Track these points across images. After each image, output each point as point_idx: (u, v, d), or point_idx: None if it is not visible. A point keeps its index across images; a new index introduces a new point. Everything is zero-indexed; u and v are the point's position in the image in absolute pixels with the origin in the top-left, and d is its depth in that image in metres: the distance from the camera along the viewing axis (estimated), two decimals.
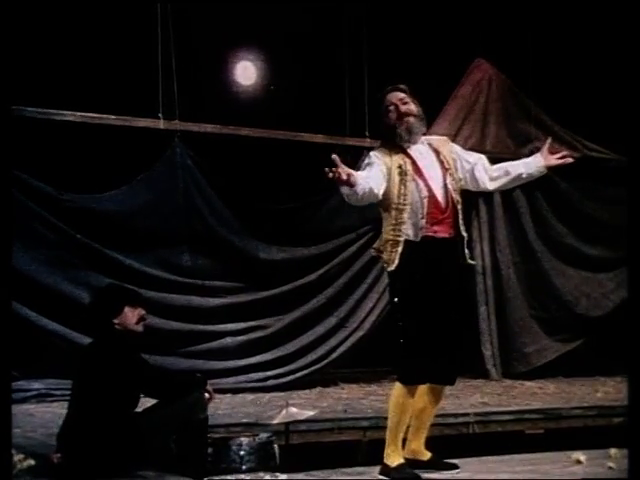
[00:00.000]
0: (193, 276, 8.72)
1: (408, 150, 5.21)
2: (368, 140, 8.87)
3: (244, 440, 5.08)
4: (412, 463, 5.27)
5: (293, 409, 5.23)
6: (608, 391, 8.51)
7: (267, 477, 4.97)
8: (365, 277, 9.23)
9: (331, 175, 4.75)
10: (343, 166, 4.81)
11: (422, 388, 5.24)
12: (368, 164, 5.16)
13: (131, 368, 5.17)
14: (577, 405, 7.75)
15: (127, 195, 8.53)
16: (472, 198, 7.30)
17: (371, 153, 5.25)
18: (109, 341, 5.25)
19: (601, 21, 9.43)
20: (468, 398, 7.96)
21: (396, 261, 5.09)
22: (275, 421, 5.26)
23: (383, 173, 5.09)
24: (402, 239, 5.09)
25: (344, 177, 4.79)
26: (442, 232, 5.16)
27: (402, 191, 5.10)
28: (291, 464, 5.21)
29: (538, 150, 5.47)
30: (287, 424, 5.24)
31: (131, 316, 5.30)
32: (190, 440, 5.15)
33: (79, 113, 8.32)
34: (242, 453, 5.03)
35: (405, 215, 5.09)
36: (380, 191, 5.07)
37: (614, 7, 7.67)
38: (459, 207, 5.21)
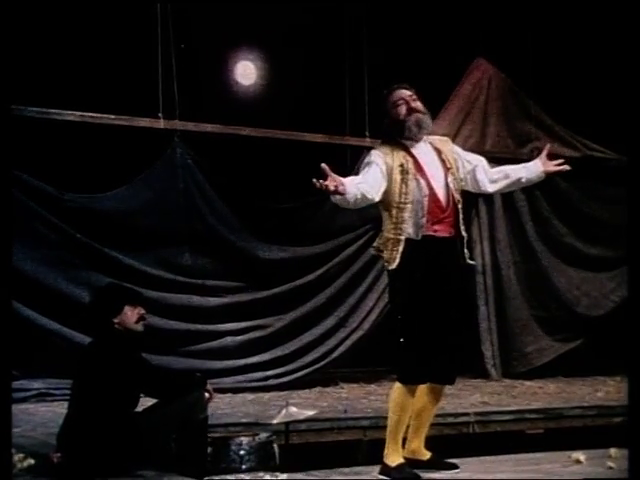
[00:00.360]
0: (193, 275, 8.73)
1: (410, 148, 5.21)
2: (368, 140, 8.88)
3: (244, 440, 5.08)
4: (412, 463, 5.27)
5: (293, 409, 5.22)
6: (608, 391, 8.51)
7: (267, 477, 4.96)
8: (365, 277, 9.23)
9: (318, 186, 4.77)
10: (333, 175, 4.83)
11: (422, 388, 5.24)
12: (367, 164, 5.15)
13: (131, 367, 5.17)
14: (577, 405, 7.75)
15: (127, 195, 8.54)
16: (472, 198, 7.30)
17: (372, 151, 5.25)
18: (109, 340, 5.25)
19: (601, 20, 9.43)
20: (468, 398, 7.96)
21: (397, 260, 5.09)
22: (275, 421, 5.26)
23: (382, 173, 5.09)
24: (403, 238, 5.08)
25: (332, 188, 4.81)
26: (442, 231, 5.16)
27: (403, 190, 5.10)
28: (291, 464, 5.21)
29: (538, 150, 5.50)
30: (287, 424, 5.23)
31: (131, 315, 5.30)
32: (190, 440, 5.15)
33: (79, 113, 8.33)
34: (242, 453, 5.03)
35: (406, 214, 5.09)
36: (376, 195, 5.06)
37: (614, 7, 7.66)
38: (459, 206, 5.22)
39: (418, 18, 9.43)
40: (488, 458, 5.91)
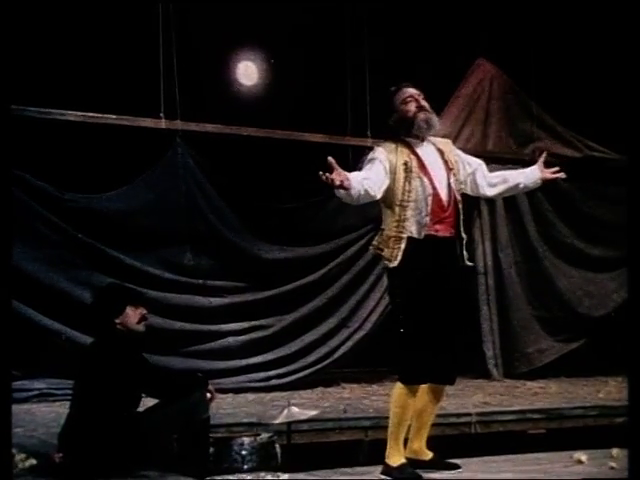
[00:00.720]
0: (195, 276, 8.72)
1: (414, 147, 5.23)
2: (370, 140, 8.87)
3: (246, 440, 5.08)
4: (414, 463, 5.27)
5: (295, 409, 5.23)
6: (610, 391, 8.51)
7: (269, 477, 4.96)
8: (367, 277, 9.23)
9: (324, 179, 4.77)
10: (339, 170, 4.86)
11: (423, 388, 5.24)
12: (371, 160, 5.17)
13: (133, 368, 5.17)
14: (579, 405, 7.75)
15: (129, 195, 8.54)
16: (474, 199, 7.28)
17: (376, 148, 5.27)
18: (111, 341, 5.25)
19: (602, 21, 9.42)
20: (470, 398, 7.96)
21: (399, 257, 5.09)
22: (277, 421, 5.26)
23: (386, 171, 5.11)
24: (405, 236, 5.10)
25: (337, 182, 4.82)
26: (443, 231, 5.18)
27: (407, 188, 5.11)
28: (293, 464, 5.21)
29: (539, 150, 5.54)
30: (289, 424, 5.24)
31: (133, 316, 5.30)
32: (192, 440, 5.15)
33: (80, 113, 8.33)
34: (244, 453, 5.03)
35: (409, 212, 5.10)
36: (378, 192, 5.08)
37: (615, 7, 7.66)
38: (460, 207, 5.24)
39: (419, 18, 9.43)
40: (490, 458, 5.92)
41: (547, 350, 9.94)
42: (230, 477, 4.97)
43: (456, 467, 5.40)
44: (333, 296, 9.15)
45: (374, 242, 5.28)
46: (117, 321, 5.26)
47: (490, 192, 5.50)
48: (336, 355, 9.06)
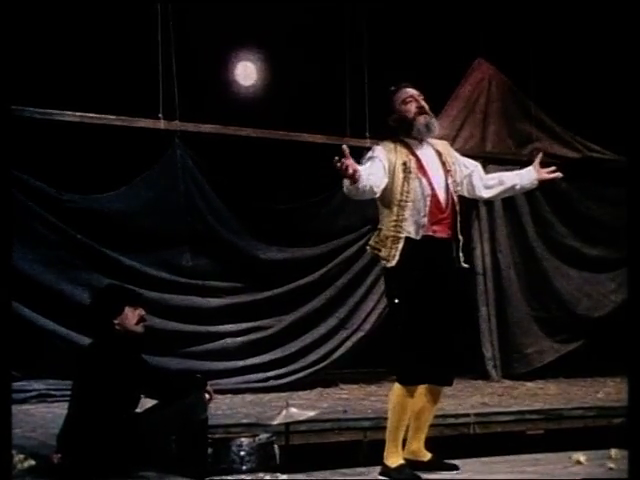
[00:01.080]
0: (193, 276, 8.72)
1: (413, 147, 5.23)
2: (368, 141, 8.87)
3: (244, 441, 5.08)
4: (412, 464, 5.27)
5: (293, 410, 5.22)
6: (609, 392, 8.51)
7: (267, 478, 4.96)
8: (365, 278, 9.23)
9: (339, 165, 4.78)
10: (352, 160, 4.85)
11: (421, 388, 5.24)
12: (371, 159, 5.17)
13: (131, 369, 5.16)
14: (578, 406, 7.75)
15: (127, 195, 8.53)
16: (472, 200, 7.29)
17: (375, 147, 5.27)
18: (109, 341, 5.25)
19: (601, 21, 9.43)
20: (468, 399, 7.97)
21: (396, 257, 5.09)
22: (275, 422, 5.26)
23: (385, 169, 5.11)
24: (403, 236, 5.10)
25: (350, 171, 4.83)
26: (441, 232, 5.18)
27: (405, 188, 5.12)
28: (291, 465, 5.21)
29: (538, 150, 5.53)
30: (287, 425, 5.23)
31: (131, 316, 5.29)
32: (190, 441, 5.15)
33: (79, 113, 8.33)
34: (242, 454, 5.03)
35: (407, 212, 5.11)
36: (378, 190, 5.09)
37: (614, 7, 7.66)
38: (457, 209, 5.25)
39: (419, 19, 9.43)
40: (488, 459, 5.91)
41: (546, 351, 9.95)
42: (228, 478, 4.97)
43: (455, 468, 5.39)
44: (332, 297, 9.15)
45: (371, 242, 5.27)
46: (116, 322, 5.25)
47: (486, 194, 5.52)
48: (335, 356, 9.06)
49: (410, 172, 5.14)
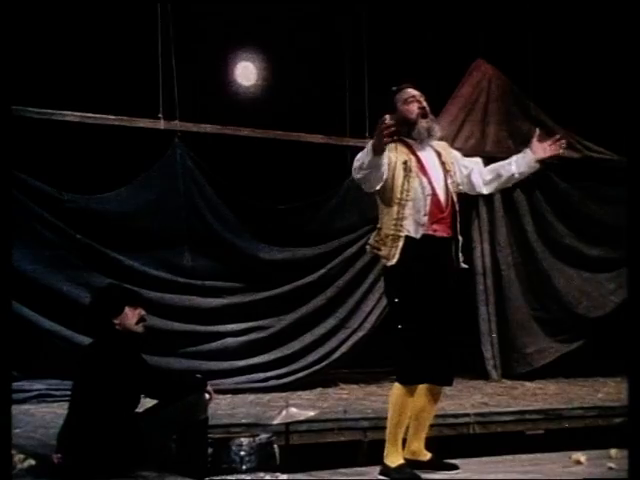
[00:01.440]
0: (193, 276, 8.72)
1: (414, 147, 5.25)
2: (369, 141, 8.85)
3: (244, 440, 5.09)
4: (412, 463, 5.27)
5: (293, 409, 5.23)
6: (609, 392, 8.51)
7: (267, 477, 4.97)
8: (365, 277, 9.22)
9: (386, 124, 4.77)
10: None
11: (421, 388, 5.25)
12: None
13: (131, 368, 5.17)
14: (578, 406, 7.75)
15: (127, 195, 8.53)
16: (472, 198, 7.28)
17: None
18: (109, 341, 5.25)
19: (601, 21, 9.42)
20: (468, 398, 7.96)
21: (397, 256, 5.11)
22: (275, 421, 5.26)
23: (385, 167, 5.12)
24: (403, 234, 5.11)
25: (391, 131, 4.81)
26: (441, 231, 5.20)
27: (405, 187, 5.13)
28: (291, 464, 5.21)
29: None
30: (287, 424, 5.23)
31: (131, 316, 5.30)
32: (190, 440, 5.16)
33: (79, 113, 8.32)
34: (242, 453, 5.04)
35: (407, 211, 5.12)
36: (382, 180, 5.10)
37: (614, 7, 7.66)
38: (457, 209, 5.26)
39: (418, 19, 9.43)
40: (488, 459, 5.93)
41: (546, 351, 9.93)
42: (229, 478, 4.98)
43: (454, 468, 5.40)
44: (332, 297, 9.14)
45: (371, 241, 5.28)
46: (116, 322, 5.26)
47: (486, 190, 5.52)
48: (335, 356, 9.05)
49: (411, 171, 5.16)
